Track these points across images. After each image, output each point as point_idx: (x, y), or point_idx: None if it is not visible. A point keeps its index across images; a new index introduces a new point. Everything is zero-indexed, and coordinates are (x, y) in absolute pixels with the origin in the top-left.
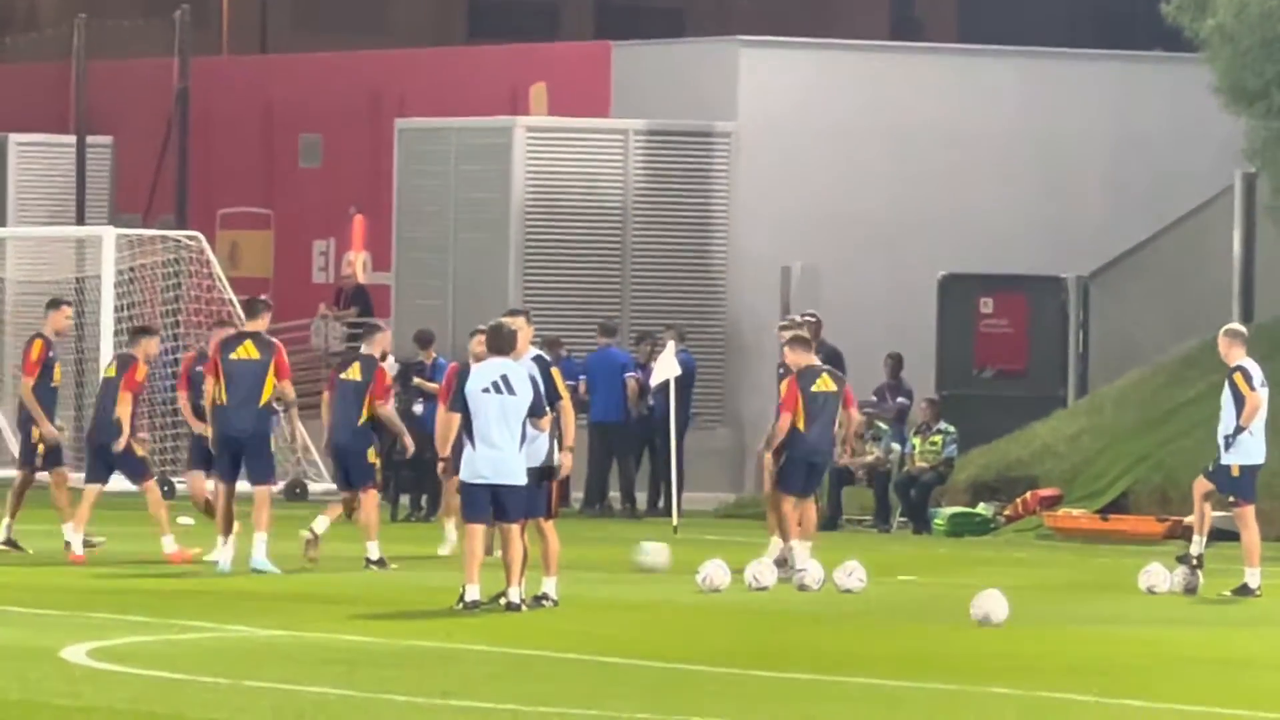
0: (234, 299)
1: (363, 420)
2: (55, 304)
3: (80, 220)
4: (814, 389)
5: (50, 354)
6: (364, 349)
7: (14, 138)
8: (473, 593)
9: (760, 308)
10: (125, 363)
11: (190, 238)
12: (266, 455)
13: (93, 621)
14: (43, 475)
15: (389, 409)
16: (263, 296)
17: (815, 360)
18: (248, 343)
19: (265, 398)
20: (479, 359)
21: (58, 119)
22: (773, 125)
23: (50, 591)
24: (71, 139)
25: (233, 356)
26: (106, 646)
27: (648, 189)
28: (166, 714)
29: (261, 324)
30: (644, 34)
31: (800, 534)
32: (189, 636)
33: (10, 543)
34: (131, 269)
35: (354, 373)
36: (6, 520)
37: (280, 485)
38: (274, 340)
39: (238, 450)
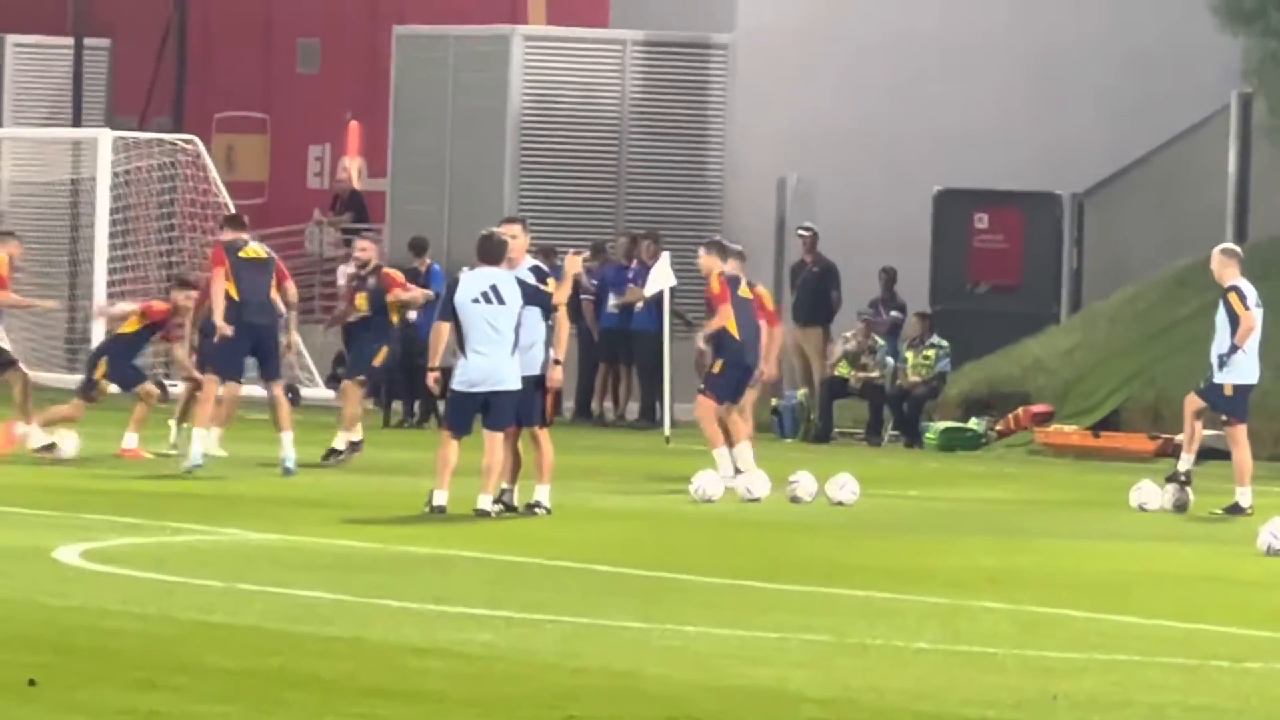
0: (229, 203)
1: None
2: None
3: (77, 122)
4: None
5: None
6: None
7: (11, 39)
8: (440, 498)
9: (755, 220)
10: None
11: (186, 141)
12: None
13: (85, 522)
14: None
15: None
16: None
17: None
18: (253, 245)
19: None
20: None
21: (55, 21)
22: (770, 38)
23: (42, 492)
24: (69, 41)
25: (241, 255)
26: (99, 548)
27: (644, 99)
28: (158, 615)
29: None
30: None
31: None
32: (181, 539)
33: None
34: (127, 171)
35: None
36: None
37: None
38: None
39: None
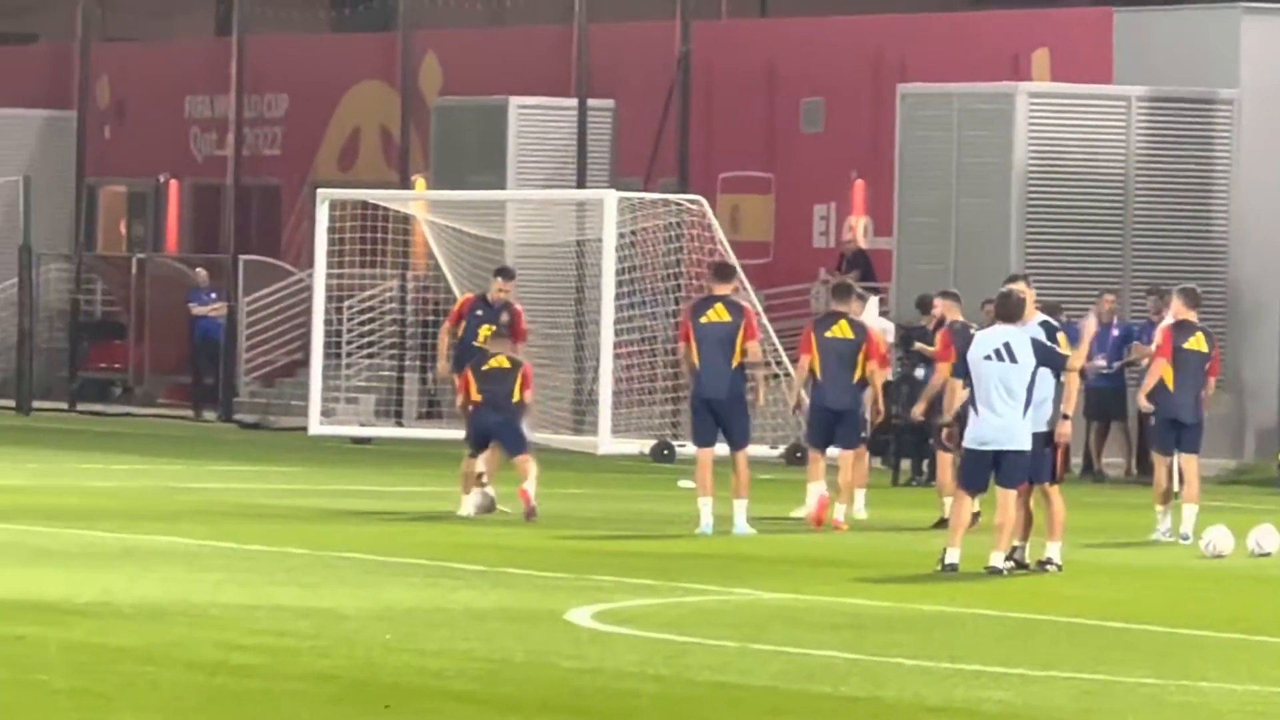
0: (735, 264)
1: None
2: (499, 273)
3: (581, 183)
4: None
5: (478, 313)
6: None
7: (515, 100)
8: (953, 555)
9: (1261, 273)
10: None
11: (692, 201)
12: (743, 418)
13: (596, 584)
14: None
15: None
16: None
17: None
18: (718, 305)
19: (736, 360)
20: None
21: (559, 82)
22: (1275, 92)
23: (551, 554)
24: (573, 102)
25: (703, 320)
26: (611, 609)
27: (1149, 155)
28: (673, 677)
29: (730, 288)
30: (1146, 0)
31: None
32: (693, 599)
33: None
34: (633, 232)
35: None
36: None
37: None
38: (743, 303)
39: (715, 414)
